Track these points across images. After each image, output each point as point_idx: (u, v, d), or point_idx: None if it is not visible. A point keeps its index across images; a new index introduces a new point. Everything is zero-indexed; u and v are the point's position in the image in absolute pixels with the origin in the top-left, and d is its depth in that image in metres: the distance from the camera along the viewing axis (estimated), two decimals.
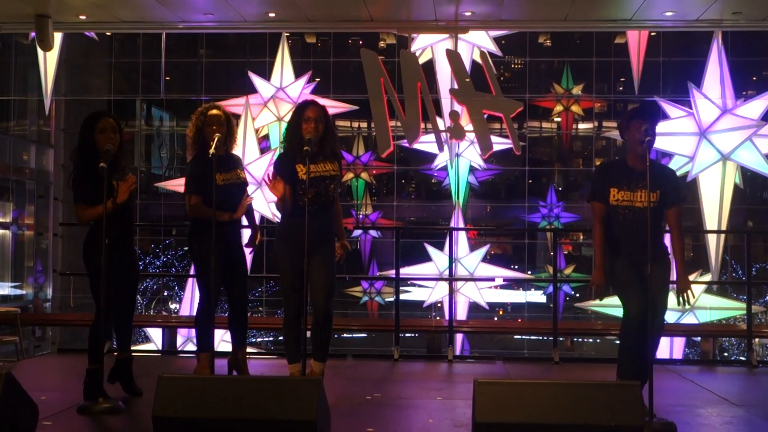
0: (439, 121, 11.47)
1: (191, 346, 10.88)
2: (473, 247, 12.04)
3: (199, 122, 5.58)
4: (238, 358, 5.73)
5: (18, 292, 15.08)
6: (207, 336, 5.57)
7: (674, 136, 11.12)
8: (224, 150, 5.59)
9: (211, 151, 5.19)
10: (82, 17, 10.50)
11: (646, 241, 4.64)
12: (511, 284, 17.25)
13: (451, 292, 9.04)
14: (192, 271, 11.85)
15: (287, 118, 5.33)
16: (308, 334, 5.18)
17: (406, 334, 11.04)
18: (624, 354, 4.94)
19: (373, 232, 16.76)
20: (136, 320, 6.29)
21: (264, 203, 11.48)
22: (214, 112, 5.60)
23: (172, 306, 16.93)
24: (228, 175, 5.57)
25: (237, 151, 6.02)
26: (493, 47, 11.63)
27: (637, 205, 4.83)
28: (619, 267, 4.95)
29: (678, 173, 10.90)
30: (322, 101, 5.53)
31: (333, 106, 12.04)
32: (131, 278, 5.43)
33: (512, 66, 18.89)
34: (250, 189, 5.98)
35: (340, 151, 5.46)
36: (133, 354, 5.61)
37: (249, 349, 13.13)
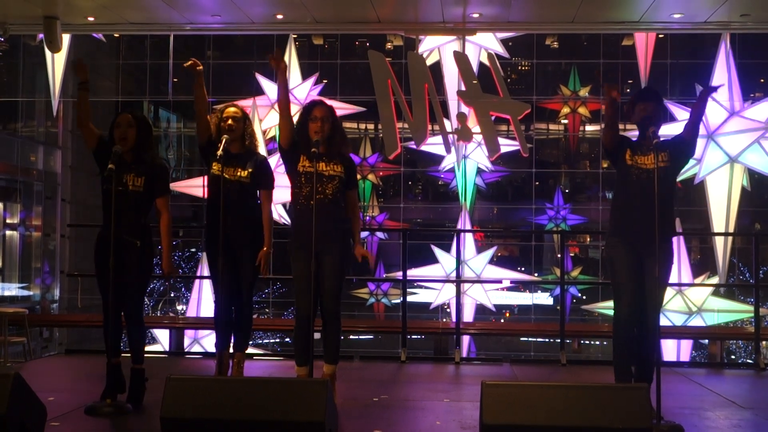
0: (446, 122, 11.47)
1: (198, 348, 10.91)
2: (480, 249, 12.04)
3: (217, 121, 5.59)
4: (232, 361, 5.65)
5: (25, 293, 15.12)
6: (219, 336, 5.60)
7: None
8: (240, 148, 5.59)
9: (219, 152, 5.21)
10: (90, 19, 10.54)
11: (655, 208, 4.65)
12: (517, 286, 17.23)
13: (458, 294, 9.05)
14: (199, 272, 11.85)
15: (295, 119, 5.29)
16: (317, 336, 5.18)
17: (413, 336, 11.01)
18: (617, 356, 5.00)
19: (379, 234, 16.75)
20: None
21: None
22: (231, 111, 5.61)
23: (179, 307, 16.95)
24: (228, 170, 5.53)
25: None
26: (500, 49, 11.63)
27: (649, 167, 4.92)
28: (618, 258, 4.99)
29: (685, 176, 10.99)
30: (329, 102, 5.52)
31: (340, 108, 12.04)
32: (127, 280, 5.09)
33: (519, 68, 18.86)
34: None
35: (349, 153, 5.42)
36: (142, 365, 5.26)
37: (255, 351, 13.15)
